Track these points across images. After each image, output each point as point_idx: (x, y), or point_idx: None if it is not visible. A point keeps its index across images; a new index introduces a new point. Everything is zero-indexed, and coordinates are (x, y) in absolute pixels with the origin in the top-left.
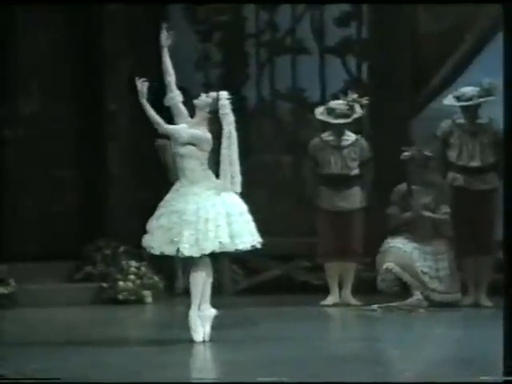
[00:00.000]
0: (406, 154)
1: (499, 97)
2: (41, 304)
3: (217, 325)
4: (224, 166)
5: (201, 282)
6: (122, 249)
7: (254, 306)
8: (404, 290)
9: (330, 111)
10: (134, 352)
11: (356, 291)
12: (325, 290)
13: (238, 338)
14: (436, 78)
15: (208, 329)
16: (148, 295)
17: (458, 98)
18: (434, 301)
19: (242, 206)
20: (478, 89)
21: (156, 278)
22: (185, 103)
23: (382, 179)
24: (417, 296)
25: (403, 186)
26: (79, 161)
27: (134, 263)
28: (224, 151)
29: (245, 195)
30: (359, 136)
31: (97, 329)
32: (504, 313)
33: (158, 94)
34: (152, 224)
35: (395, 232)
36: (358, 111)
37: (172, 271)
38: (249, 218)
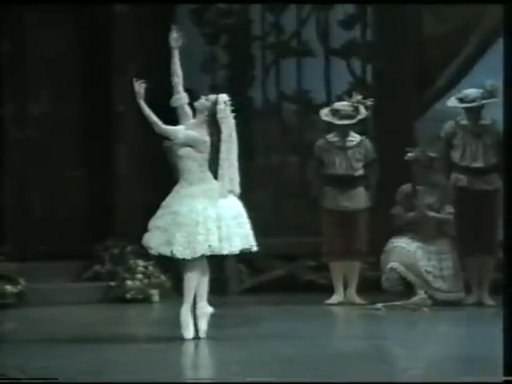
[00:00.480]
0: (410, 154)
1: (502, 98)
2: (50, 303)
3: (223, 323)
4: (222, 170)
5: (193, 280)
6: (129, 248)
7: (260, 304)
8: (408, 289)
9: (335, 112)
10: (142, 349)
11: (360, 290)
12: (330, 289)
13: (244, 336)
14: (440, 80)
15: (204, 326)
16: (155, 294)
17: (462, 100)
18: (438, 300)
19: (236, 209)
20: (481, 90)
21: (163, 277)
22: (190, 105)
23: (387, 180)
24: (421, 295)
25: (407, 187)
26: (88, 161)
27: (141, 262)
28: (222, 155)
29: (250, 195)
30: (364, 137)
31: (105, 327)
32: (504, 312)
33: (163, 96)
34: (151, 223)
35: (399, 232)
36: (363, 112)
37: (179, 270)
38: (243, 221)
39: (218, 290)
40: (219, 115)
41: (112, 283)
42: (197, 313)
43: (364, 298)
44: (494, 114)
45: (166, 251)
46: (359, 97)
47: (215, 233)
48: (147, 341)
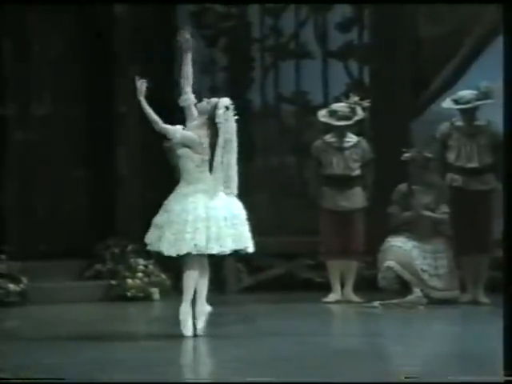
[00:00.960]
0: (407, 155)
1: (497, 99)
2: (52, 301)
3: (221, 321)
4: (216, 174)
5: (192, 279)
6: (130, 247)
7: (258, 303)
8: (404, 288)
9: (333, 113)
10: (142, 347)
11: (357, 289)
12: (327, 288)
13: (242, 334)
14: (436, 82)
15: (202, 324)
16: (155, 292)
17: (456, 101)
18: (433, 298)
19: (230, 211)
20: (475, 92)
21: (163, 276)
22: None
23: (383, 179)
24: (416, 293)
25: (404, 186)
26: (89, 161)
27: (142, 261)
28: (217, 158)
29: (250, 195)
30: (361, 138)
31: (106, 325)
32: (504, 311)
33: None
34: (152, 221)
35: (396, 231)
36: (360, 113)
37: (179, 269)
38: (237, 222)
39: (216, 289)
40: (217, 120)
41: (113, 282)
42: (195, 311)
43: (361, 297)
44: (488, 115)
45: (157, 248)
46: (356, 98)
47: (203, 232)
48: (147, 338)
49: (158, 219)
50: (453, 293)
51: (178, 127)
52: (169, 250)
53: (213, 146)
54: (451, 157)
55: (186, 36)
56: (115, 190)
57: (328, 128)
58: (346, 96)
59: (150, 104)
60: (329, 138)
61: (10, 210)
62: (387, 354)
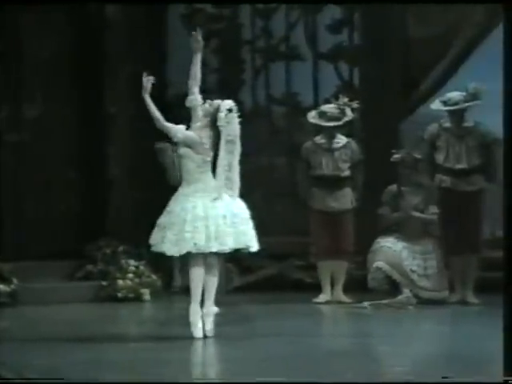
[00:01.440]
0: (396, 156)
1: (485, 101)
2: (43, 302)
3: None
4: (219, 176)
5: (198, 279)
6: (121, 248)
7: (249, 303)
8: (393, 288)
9: (322, 115)
10: (132, 348)
11: (347, 289)
12: (317, 288)
13: (232, 334)
14: (425, 83)
15: (209, 326)
16: (146, 293)
17: (445, 103)
18: (423, 298)
19: (229, 209)
20: (464, 93)
21: (154, 277)
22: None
23: (373, 180)
24: (406, 294)
25: (393, 187)
26: (80, 162)
27: (132, 262)
28: (219, 161)
29: (241, 196)
30: (350, 139)
31: (97, 326)
32: (504, 311)
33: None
34: (156, 222)
35: (385, 232)
36: (349, 114)
37: (169, 270)
38: (238, 220)
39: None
40: (219, 123)
41: (104, 282)
42: (203, 312)
43: (351, 297)
44: (477, 116)
45: (160, 249)
46: (346, 99)
47: (202, 231)
48: (137, 339)
49: (161, 220)
50: (442, 293)
51: (181, 126)
52: (170, 250)
53: (216, 148)
54: (440, 158)
55: (197, 37)
56: (106, 190)
57: (318, 129)
58: (335, 97)
59: (142, 104)
60: (318, 139)
61: (0, 210)
62: (377, 354)
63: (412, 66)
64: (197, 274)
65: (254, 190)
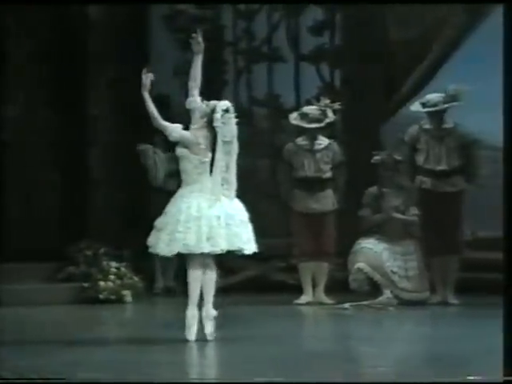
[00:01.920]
0: (377, 157)
1: (464, 102)
2: (24, 303)
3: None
4: (215, 177)
5: (195, 281)
6: (102, 250)
7: (230, 305)
8: (374, 289)
9: (304, 116)
10: (113, 350)
11: (329, 290)
12: (299, 290)
13: (215, 336)
14: (406, 84)
15: (209, 329)
16: (128, 295)
17: (424, 105)
18: (403, 299)
19: (224, 210)
20: (443, 95)
21: (135, 279)
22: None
23: (354, 182)
24: (387, 295)
25: (374, 189)
26: (62, 164)
27: (114, 264)
28: (216, 162)
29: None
30: (332, 140)
31: (78, 327)
32: (504, 312)
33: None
34: (154, 224)
35: (366, 233)
36: (331, 116)
37: (151, 272)
38: (232, 222)
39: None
40: (215, 123)
41: (85, 284)
42: (202, 314)
43: (332, 298)
44: (456, 117)
45: (155, 250)
46: (327, 101)
47: (194, 232)
48: (118, 341)
49: (158, 221)
50: (422, 294)
51: (177, 125)
52: (163, 250)
53: (214, 149)
54: (420, 159)
55: (198, 39)
56: (88, 192)
57: (299, 131)
58: (317, 99)
59: (124, 106)
60: (300, 140)
61: None
62: (358, 355)
63: (393, 68)
64: (195, 276)
65: (237, 192)
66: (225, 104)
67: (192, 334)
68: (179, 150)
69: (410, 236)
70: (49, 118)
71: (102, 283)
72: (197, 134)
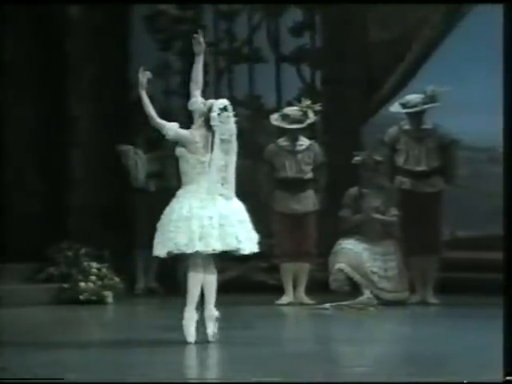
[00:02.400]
0: (357, 158)
1: (442, 103)
2: (3, 304)
3: (174, 325)
4: (211, 176)
5: (195, 281)
6: (83, 250)
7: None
8: (355, 290)
9: (285, 117)
10: (93, 351)
11: (309, 291)
12: (280, 290)
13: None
14: (386, 85)
15: (211, 330)
16: (109, 296)
17: (404, 105)
18: (383, 299)
19: (217, 211)
20: (422, 96)
21: (116, 279)
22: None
23: (335, 183)
24: (367, 295)
25: (354, 190)
26: (42, 164)
27: (95, 265)
28: (212, 161)
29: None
30: (313, 141)
31: (59, 328)
32: (504, 312)
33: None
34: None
35: (347, 233)
36: (311, 117)
37: (132, 272)
38: (225, 222)
39: (169, 291)
40: (212, 122)
41: (66, 285)
42: (204, 316)
43: (312, 298)
44: (435, 118)
45: (154, 251)
46: (308, 102)
47: (184, 231)
48: (99, 342)
49: (158, 223)
50: (402, 294)
51: (173, 124)
52: (157, 250)
53: (213, 149)
54: (400, 160)
55: (199, 39)
56: (68, 192)
57: (281, 131)
58: (298, 100)
59: (105, 106)
60: (281, 141)
61: None
62: (338, 355)
63: (373, 68)
64: (194, 277)
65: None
66: (222, 102)
67: (191, 335)
68: (178, 150)
69: (390, 236)
70: (29, 118)
71: (82, 284)
72: (194, 133)
